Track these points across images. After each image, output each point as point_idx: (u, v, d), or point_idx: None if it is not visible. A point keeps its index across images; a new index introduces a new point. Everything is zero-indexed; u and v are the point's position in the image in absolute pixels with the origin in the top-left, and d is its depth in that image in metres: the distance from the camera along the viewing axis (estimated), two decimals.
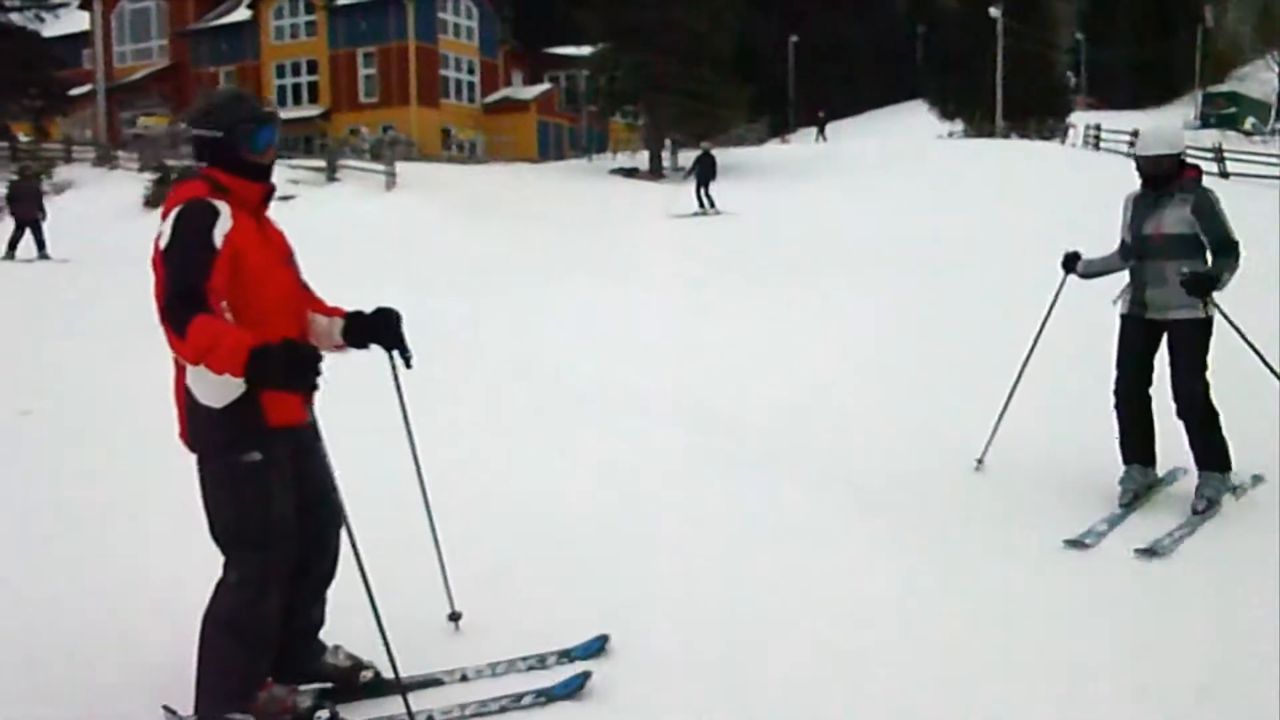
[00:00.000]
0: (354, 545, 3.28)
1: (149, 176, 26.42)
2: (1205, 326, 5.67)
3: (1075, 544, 5.22)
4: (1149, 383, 5.88)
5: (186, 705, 3.40)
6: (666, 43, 32.01)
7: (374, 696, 3.63)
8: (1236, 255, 5.61)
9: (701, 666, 3.88)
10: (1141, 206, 5.84)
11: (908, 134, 50.92)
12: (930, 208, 22.31)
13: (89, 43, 41.64)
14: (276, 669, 3.48)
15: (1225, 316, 5.65)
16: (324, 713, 3.45)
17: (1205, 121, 64.15)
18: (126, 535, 5.20)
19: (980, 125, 52.18)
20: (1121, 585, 4.79)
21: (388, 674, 3.54)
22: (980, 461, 6.45)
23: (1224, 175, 31.74)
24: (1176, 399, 5.71)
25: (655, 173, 33.89)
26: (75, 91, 38.91)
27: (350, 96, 44.20)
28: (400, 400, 3.81)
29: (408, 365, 3.68)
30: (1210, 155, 33.65)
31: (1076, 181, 26.34)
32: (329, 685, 3.64)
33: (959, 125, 58.12)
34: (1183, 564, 5.04)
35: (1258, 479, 6.11)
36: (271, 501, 3.31)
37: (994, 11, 50.81)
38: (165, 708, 3.47)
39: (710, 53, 32.21)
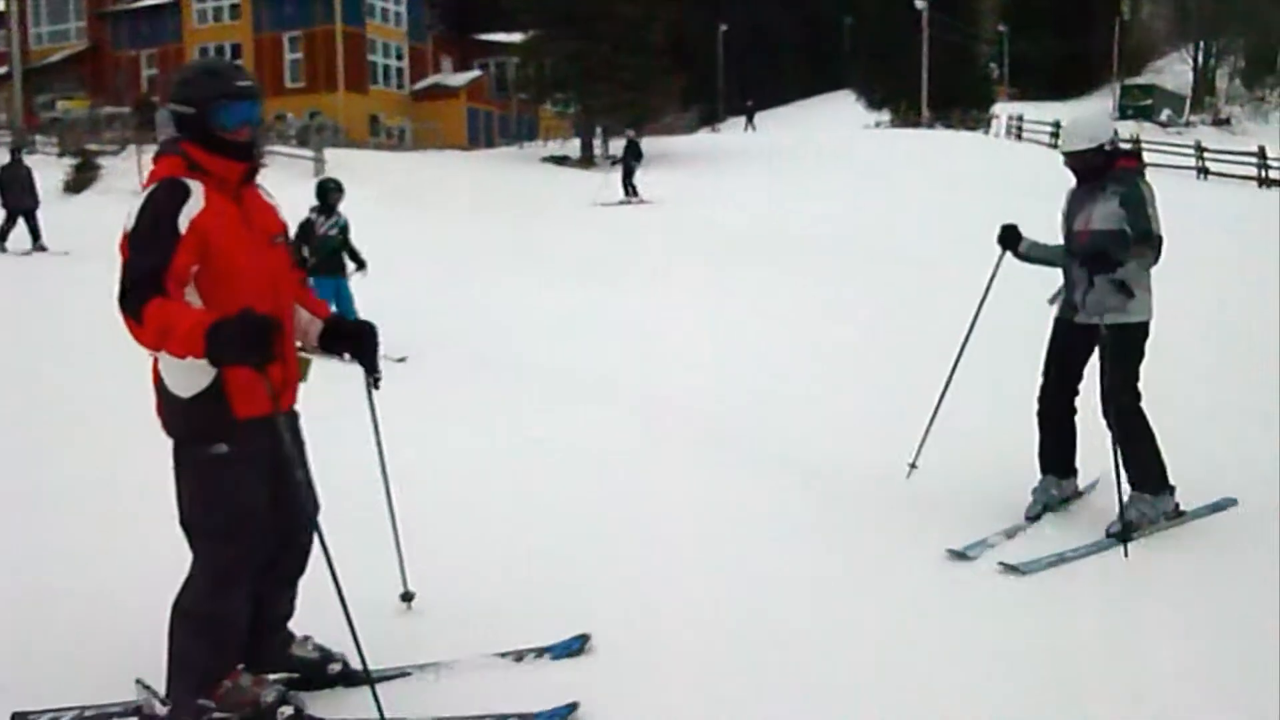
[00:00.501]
0: (321, 538, 3.28)
1: (69, 162, 25.79)
2: (1137, 332, 5.33)
3: (958, 555, 4.98)
4: (1074, 391, 5.55)
5: (161, 684, 3.42)
6: (599, 30, 32.00)
7: (344, 687, 3.63)
8: (1151, 247, 5.20)
9: (679, 665, 3.86)
10: (1074, 201, 5.54)
11: (835, 124, 51.53)
12: (861, 196, 22.64)
13: (3, 24, 40.45)
14: (245, 659, 3.46)
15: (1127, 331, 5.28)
16: (288, 708, 3.40)
17: (1123, 113, 65.62)
18: (102, 520, 5.21)
19: (906, 115, 52.95)
20: (972, 601, 4.53)
21: (358, 665, 3.56)
22: (913, 465, 6.02)
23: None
24: (1104, 409, 5.31)
25: (586, 160, 33.88)
26: None
27: (275, 81, 43.45)
28: (372, 412, 3.75)
29: (375, 386, 3.66)
30: (1128, 145, 34.49)
31: (1001, 170, 26.89)
32: (296, 676, 3.63)
33: (885, 115, 58.92)
34: (1043, 587, 4.68)
35: (1222, 504, 5.63)
36: (239, 493, 3.26)
37: (919, 3, 51.49)
38: (138, 681, 3.49)
39: (642, 41, 32.28)
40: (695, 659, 3.91)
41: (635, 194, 24.97)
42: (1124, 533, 5.06)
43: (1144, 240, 5.18)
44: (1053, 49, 73.28)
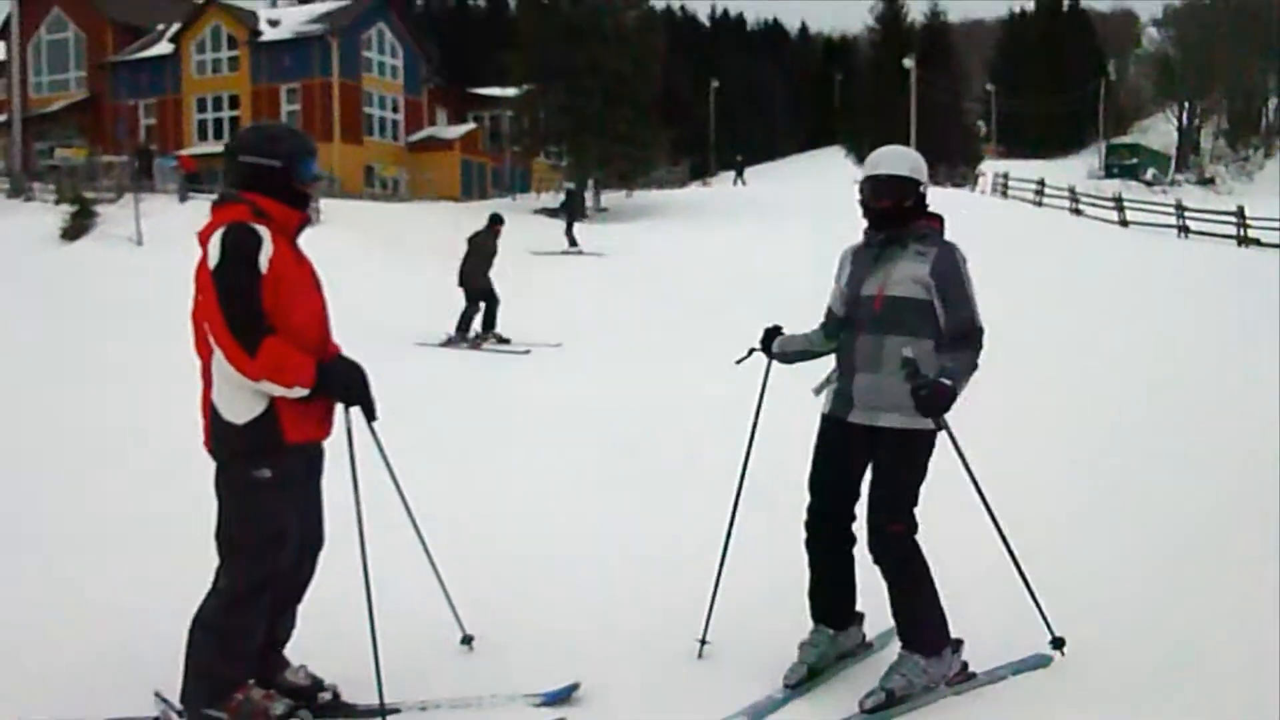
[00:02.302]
0: (365, 568, 3.56)
1: (66, 209, 26.08)
2: (924, 441, 4.01)
3: None
4: (850, 514, 4.18)
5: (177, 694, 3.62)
6: (590, 85, 32.57)
7: (335, 717, 3.77)
8: (978, 347, 4.00)
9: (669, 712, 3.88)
10: (863, 260, 4.17)
11: (825, 179, 51.91)
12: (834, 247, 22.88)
13: (4, 73, 40.93)
14: (256, 675, 3.68)
15: (951, 436, 4.05)
16: None
17: (1109, 171, 66.65)
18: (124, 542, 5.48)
19: None
20: None
21: (347, 698, 3.80)
22: (703, 642, 4.36)
23: (1124, 224, 33.09)
24: (869, 539, 4.03)
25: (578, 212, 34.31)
26: None
27: None
28: (351, 456, 3.71)
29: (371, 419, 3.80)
30: (1111, 204, 35.07)
31: (987, 226, 27.25)
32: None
33: None
34: None
35: (1032, 662, 4.33)
36: (275, 517, 3.54)
37: (908, 62, 52.34)
38: (156, 694, 3.71)
39: (633, 95, 32.83)
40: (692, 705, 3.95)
41: (574, 244, 25.33)
42: (886, 705, 3.89)
43: (968, 338, 3.98)
44: (1039, 108, 74.41)
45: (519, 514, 6.24)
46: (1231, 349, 12.04)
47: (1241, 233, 29.09)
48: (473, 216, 31.55)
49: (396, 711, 3.73)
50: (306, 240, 3.77)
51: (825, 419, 4.23)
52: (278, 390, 3.44)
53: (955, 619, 4.10)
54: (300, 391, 3.45)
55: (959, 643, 4.16)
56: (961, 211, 28.94)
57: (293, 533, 3.61)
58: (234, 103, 44.39)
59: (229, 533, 3.57)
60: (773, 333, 4.54)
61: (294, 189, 3.61)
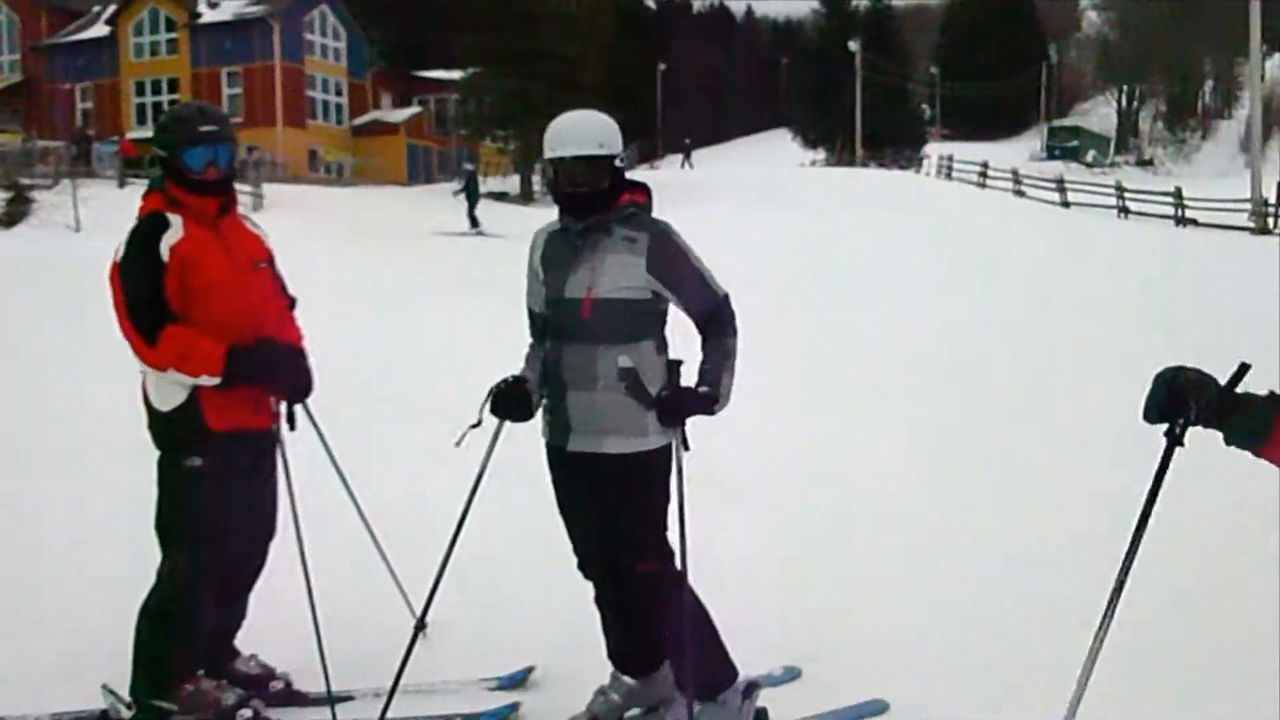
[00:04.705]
0: (303, 558, 3.49)
1: (1, 195, 25.53)
2: (657, 462, 3.39)
3: None
4: (626, 545, 3.46)
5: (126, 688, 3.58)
6: (537, 69, 32.44)
7: (288, 706, 3.75)
8: (732, 324, 3.44)
9: None
10: (562, 252, 3.44)
11: (772, 161, 52.30)
12: (799, 232, 23.00)
13: None
14: (206, 665, 3.66)
15: (680, 452, 3.37)
16: (247, 711, 3.59)
17: (1051, 153, 67.57)
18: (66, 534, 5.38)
19: (841, 154, 53.95)
20: None
21: (299, 686, 3.78)
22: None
23: (1065, 205, 33.58)
24: (620, 585, 3.49)
25: (526, 196, 34.19)
26: None
27: None
28: (280, 444, 3.63)
29: (291, 427, 3.68)
30: (1053, 186, 35.59)
31: (931, 207, 27.61)
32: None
33: (821, 154, 60.01)
34: None
35: (871, 709, 3.75)
36: (212, 506, 3.48)
37: (853, 45, 52.64)
38: (104, 687, 3.65)
39: (581, 79, 32.75)
40: None
41: (475, 225, 25.30)
42: None
43: (719, 321, 3.43)
44: (983, 91, 75.16)
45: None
46: (1168, 325, 12.28)
47: (1179, 213, 29.66)
48: (419, 201, 31.55)
49: (350, 699, 3.70)
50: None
51: (547, 448, 3.54)
52: (186, 379, 3.39)
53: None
54: (210, 380, 3.39)
55: (753, 685, 3.60)
56: (907, 193, 29.30)
57: (236, 521, 3.57)
58: (173, 86, 43.74)
59: (167, 522, 3.54)
60: (513, 387, 3.43)
61: (189, 177, 3.51)
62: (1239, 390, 2.02)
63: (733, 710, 3.50)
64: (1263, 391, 2.05)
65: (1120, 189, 32.68)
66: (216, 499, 3.49)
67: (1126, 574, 2.22)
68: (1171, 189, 31.46)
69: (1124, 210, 31.41)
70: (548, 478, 3.61)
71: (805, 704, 3.78)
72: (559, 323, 3.42)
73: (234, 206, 3.69)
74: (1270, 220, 28.27)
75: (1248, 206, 28.32)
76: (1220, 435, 2.05)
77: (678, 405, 3.30)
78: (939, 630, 4.47)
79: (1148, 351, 11.25)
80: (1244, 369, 2.01)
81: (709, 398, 3.32)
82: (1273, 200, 29.05)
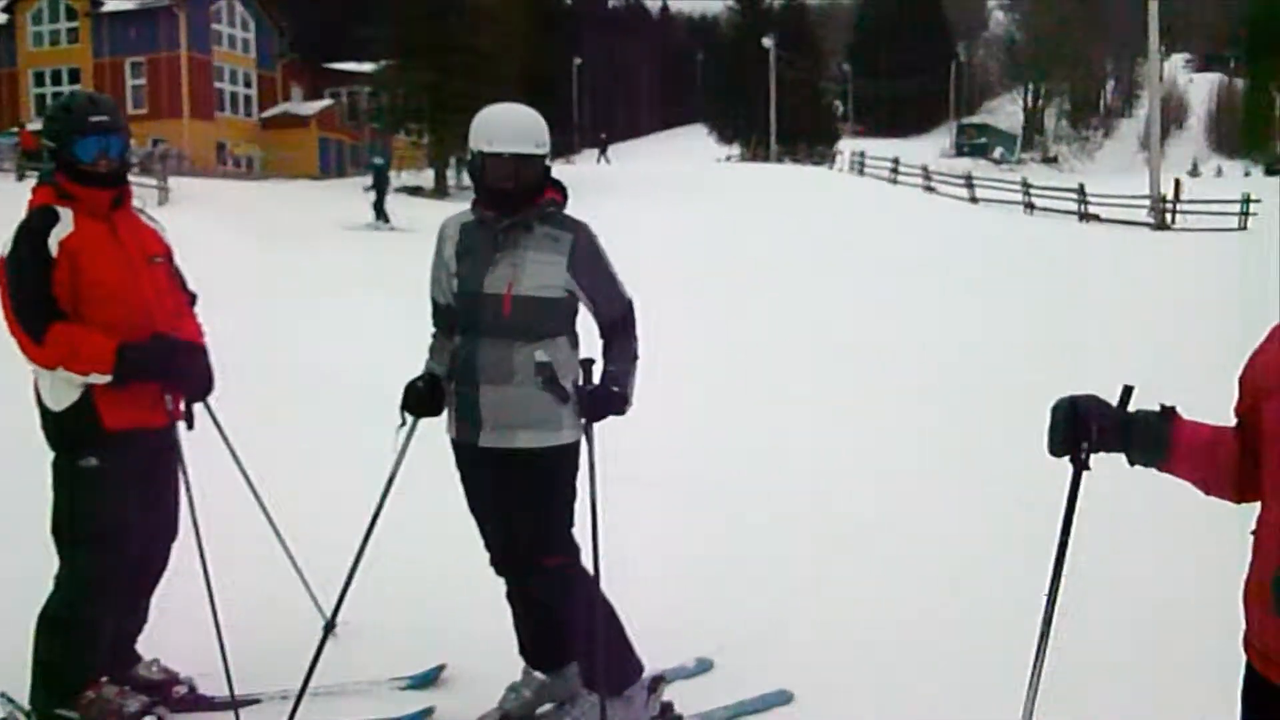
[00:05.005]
0: (203, 560, 3.41)
1: None
2: (568, 457, 3.42)
3: None
4: (533, 541, 3.48)
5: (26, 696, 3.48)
6: (452, 62, 32.13)
7: (193, 711, 3.66)
8: (635, 329, 3.50)
9: None
10: (481, 246, 3.40)
11: (688, 157, 52.54)
12: (717, 227, 23.12)
13: None
14: (108, 670, 3.55)
15: (590, 443, 3.38)
16: (150, 718, 3.51)
17: (960, 150, 69.06)
18: None
19: (756, 150, 54.37)
20: None
21: (204, 690, 3.68)
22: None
23: (974, 200, 34.26)
24: (526, 580, 3.50)
25: (440, 191, 33.88)
26: None
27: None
28: (176, 440, 3.53)
29: (188, 426, 3.59)
30: (962, 182, 36.30)
31: (843, 202, 27.97)
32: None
33: (736, 149, 60.44)
34: None
35: (776, 699, 3.80)
36: (105, 506, 3.38)
37: (767, 41, 53.06)
38: (3, 694, 3.55)
39: (496, 73, 32.51)
40: None
41: (385, 219, 25.10)
42: None
43: (625, 326, 3.49)
44: (894, 89, 76.43)
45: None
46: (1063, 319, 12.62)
47: (1082, 209, 30.47)
48: (331, 195, 31.04)
49: (256, 702, 3.64)
50: (162, 221, 3.64)
51: (454, 445, 3.50)
52: (76, 377, 3.30)
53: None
54: (100, 377, 3.29)
55: (658, 679, 3.61)
56: (821, 189, 29.68)
57: (134, 523, 3.47)
58: (75, 76, 42.49)
59: (63, 525, 3.43)
60: (428, 385, 3.46)
61: (79, 169, 3.40)
62: (1131, 409, 2.07)
63: (639, 705, 3.51)
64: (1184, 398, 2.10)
65: (1026, 185, 33.49)
66: (114, 500, 3.39)
67: (1054, 599, 2.25)
68: (1075, 185, 32.32)
69: (1030, 206, 32.17)
70: (442, 479, 3.60)
71: (713, 696, 3.82)
72: (474, 317, 3.38)
73: (128, 200, 3.58)
74: (1168, 216, 29.19)
75: (1147, 203, 29.22)
76: (1124, 458, 2.10)
77: (601, 402, 3.33)
78: (852, 624, 4.53)
79: (1053, 341, 11.61)
80: (1129, 391, 2.07)
81: (624, 398, 3.38)
82: (1170, 197, 30.02)
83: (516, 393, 3.33)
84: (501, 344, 3.33)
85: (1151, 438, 2.02)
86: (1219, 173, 57.88)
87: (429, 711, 3.67)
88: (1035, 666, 2.25)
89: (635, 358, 3.47)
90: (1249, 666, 1.82)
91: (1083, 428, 2.06)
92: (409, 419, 3.47)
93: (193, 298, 3.79)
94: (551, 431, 3.36)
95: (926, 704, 3.82)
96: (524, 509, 3.42)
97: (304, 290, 14.50)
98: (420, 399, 3.44)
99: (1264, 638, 1.76)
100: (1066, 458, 2.12)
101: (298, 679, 3.41)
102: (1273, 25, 74.18)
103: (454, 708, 3.71)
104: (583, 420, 3.34)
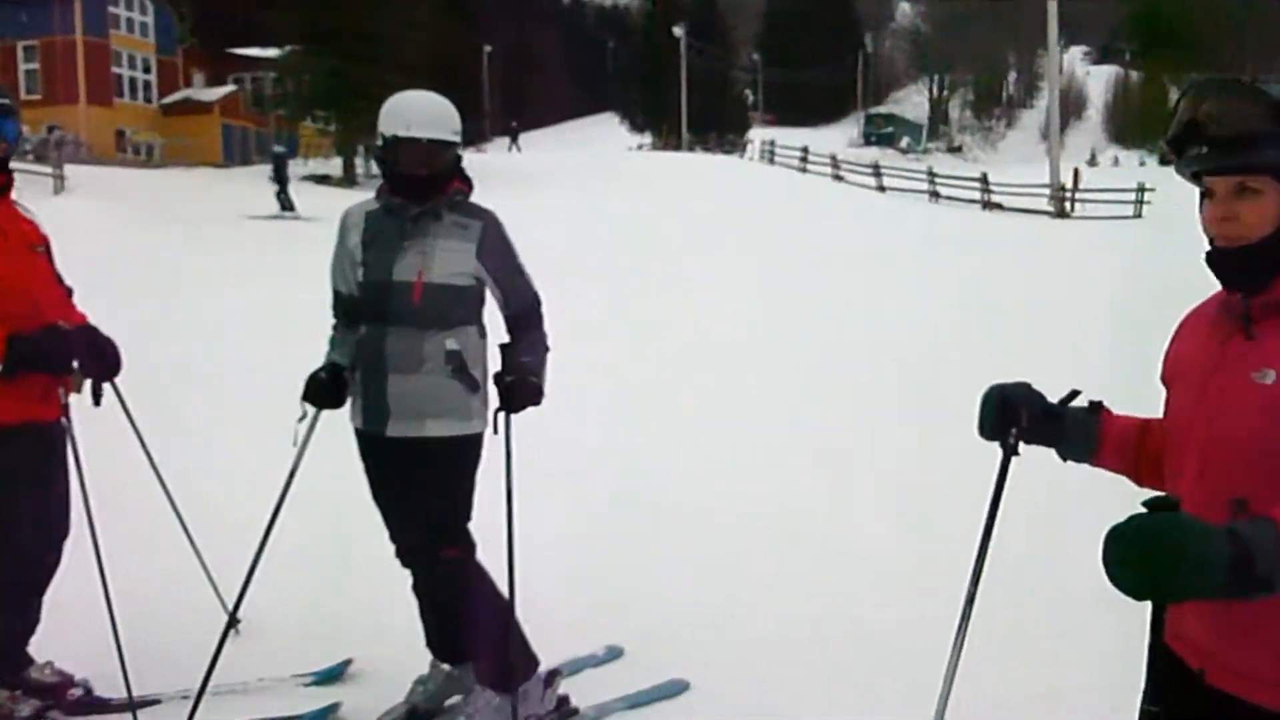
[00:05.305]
0: (99, 557, 3.30)
1: None
2: (474, 447, 3.41)
3: None
4: (435, 532, 3.46)
5: None
6: (358, 48, 31.62)
7: (89, 714, 3.57)
8: (544, 328, 3.51)
9: None
10: (387, 234, 3.37)
11: (600, 145, 52.48)
12: (630, 216, 23.12)
13: None
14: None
15: (508, 433, 3.26)
16: None
17: (868, 139, 70.06)
18: None
19: (667, 139, 54.54)
20: None
21: (100, 692, 3.58)
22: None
23: (881, 189, 34.80)
24: (422, 570, 3.48)
25: (348, 179, 33.35)
26: None
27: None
28: (70, 434, 3.46)
29: (95, 402, 3.54)
30: (870, 171, 36.84)
31: (755, 190, 28.19)
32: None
33: (648, 138, 60.55)
34: None
35: (668, 690, 3.82)
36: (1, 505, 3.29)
37: (677, 30, 53.21)
38: None
39: (402, 60, 32.07)
40: None
41: (291, 207, 24.76)
42: None
43: (534, 319, 3.50)
44: (803, 79, 77.21)
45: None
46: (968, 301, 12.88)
47: (985, 198, 31.15)
48: (234, 183, 30.36)
49: (156, 703, 3.57)
50: (53, 209, 3.52)
51: (359, 435, 3.46)
52: None
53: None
54: None
55: (554, 674, 3.63)
56: (733, 178, 29.84)
57: (25, 520, 3.37)
58: None
59: None
60: (330, 376, 3.41)
61: None
62: (1055, 403, 2.11)
63: (534, 699, 3.50)
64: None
65: (932, 175, 34.10)
66: (4, 497, 3.30)
67: (977, 583, 2.24)
68: (979, 175, 33.02)
69: (935, 195, 32.76)
70: (347, 475, 3.56)
71: (610, 688, 3.83)
72: (382, 305, 3.33)
73: (10, 189, 3.47)
74: (1067, 204, 29.97)
75: (1047, 191, 29.96)
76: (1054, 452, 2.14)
77: (521, 393, 3.26)
78: (754, 616, 4.57)
79: (959, 324, 11.84)
80: (1074, 394, 2.11)
81: (540, 390, 3.34)
82: (1070, 186, 30.83)
83: (426, 381, 3.31)
84: (411, 332, 3.31)
85: (1080, 434, 2.07)
86: (1116, 162, 59.52)
87: (334, 707, 3.61)
88: (956, 645, 2.26)
89: (547, 350, 3.47)
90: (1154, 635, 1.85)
91: (1012, 413, 2.10)
92: (310, 410, 3.41)
93: (69, 292, 3.68)
94: (460, 420, 3.34)
95: (827, 690, 3.86)
96: (429, 497, 3.38)
97: (206, 281, 14.15)
98: (321, 390, 3.38)
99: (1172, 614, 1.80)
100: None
101: (199, 677, 3.34)
102: (1153, 21, 76.86)
103: (361, 703, 3.67)
104: (500, 412, 3.27)
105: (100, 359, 3.48)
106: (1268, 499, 1.56)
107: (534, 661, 3.53)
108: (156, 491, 4.01)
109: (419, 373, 3.30)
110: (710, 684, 3.87)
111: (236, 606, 3.52)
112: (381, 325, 3.33)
